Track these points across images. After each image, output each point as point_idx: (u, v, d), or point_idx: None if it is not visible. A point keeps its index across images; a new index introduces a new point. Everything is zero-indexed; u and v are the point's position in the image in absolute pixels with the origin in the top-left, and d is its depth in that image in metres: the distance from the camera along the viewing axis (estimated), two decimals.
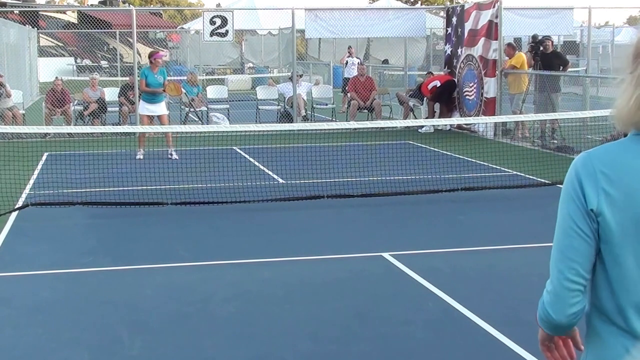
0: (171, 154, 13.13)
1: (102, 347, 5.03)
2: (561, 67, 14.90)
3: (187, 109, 17.47)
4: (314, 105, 19.32)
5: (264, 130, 14.22)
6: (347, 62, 24.50)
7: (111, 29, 34.09)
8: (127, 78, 18.13)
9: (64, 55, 36.29)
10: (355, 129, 14.20)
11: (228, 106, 18.32)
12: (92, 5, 48.46)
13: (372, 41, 31.46)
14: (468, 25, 16.42)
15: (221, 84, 24.21)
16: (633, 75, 2.10)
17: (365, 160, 11.52)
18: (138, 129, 12.55)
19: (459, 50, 16.88)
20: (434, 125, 16.72)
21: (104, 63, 35.42)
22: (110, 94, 17.84)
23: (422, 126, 16.47)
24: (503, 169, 11.84)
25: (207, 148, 12.96)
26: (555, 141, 14.09)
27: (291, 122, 16.45)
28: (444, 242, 7.67)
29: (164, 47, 35.97)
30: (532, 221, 8.61)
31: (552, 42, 15.56)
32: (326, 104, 19.44)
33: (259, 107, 18.59)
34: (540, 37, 14.76)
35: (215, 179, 10.21)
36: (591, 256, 2.11)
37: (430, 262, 6.93)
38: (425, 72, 20.49)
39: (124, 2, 45.59)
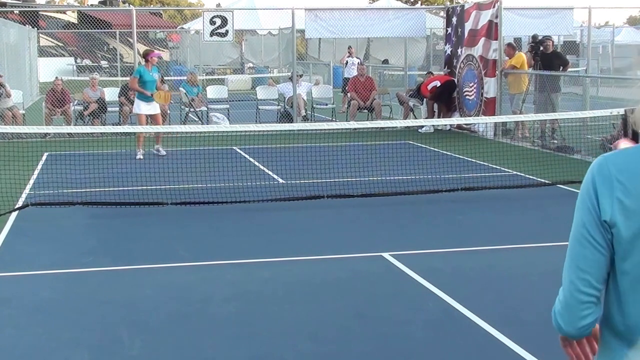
0: (158, 150, 13.26)
1: (102, 347, 5.03)
2: (561, 68, 14.90)
3: (187, 109, 17.48)
4: (314, 105, 19.32)
5: (264, 130, 14.22)
6: (347, 62, 24.50)
7: (111, 29, 34.10)
8: (128, 78, 18.12)
9: (64, 55, 36.29)
10: (355, 129, 14.20)
11: (228, 106, 18.32)
12: (92, 5, 48.47)
13: (372, 41, 31.45)
14: (468, 25, 16.42)
15: (221, 84, 24.20)
16: None
17: (365, 160, 11.52)
18: (138, 129, 12.55)
19: (459, 50, 16.88)
20: (434, 125, 16.72)
21: (104, 63, 35.42)
22: (110, 94, 17.85)
23: (422, 126, 16.47)
24: (503, 169, 11.84)
25: (207, 148, 12.97)
26: (555, 141, 14.09)
27: (291, 122, 16.45)
28: (444, 242, 7.67)
29: (164, 47, 35.99)
30: (532, 221, 8.61)
31: (553, 42, 15.56)
32: (326, 104, 19.44)
33: (259, 107, 18.59)
34: (540, 37, 14.77)
35: (215, 179, 10.21)
36: (605, 267, 2.05)
37: (430, 262, 6.93)
38: (425, 72, 20.49)
39: (124, 2, 45.58)
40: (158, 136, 13.53)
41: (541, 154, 13.40)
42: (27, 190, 10.13)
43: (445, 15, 18.15)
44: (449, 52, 17.49)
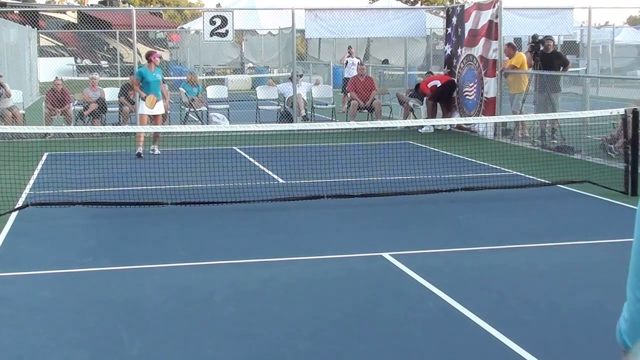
0: (153, 150, 13.31)
1: (102, 347, 5.03)
2: (561, 68, 14.90)
3: (187, 109, 17.48)
4: (314, 105, 19.32)
5: (264, 130, 14.22)
6: (347, 62, 24.50)
7: (111, 29, 34.10)
8: (128, 78, 18.13)
9: (64, 55, 36.29)
10: (355, 129, 14.20)
11: (228, 106, 18.33)
12: (92, 5, 48.47)
13: (372, 41, 31.46)
14: (468, 25, 16.43)
15: (221, 84, 24.20)
16: None
17: (365, 160, 11.51)
18: (138, 128, 12.57)
19: (459, 50, 16.88)
20: (433, 125, 16.72)
21: (104, 63, 35.42)
22: (110, 94, 17.85)
23: (422, 126, 16.47)
24: (503, 169, 11.84)
25: (207, 148, 12.97)
26: (555, 141, 14.09)
27: (291, 122, 16.45)
28: (444, 242, 7.67)
29: (164, 47, 35.99)
30: (532, 221, 8.61)
31: (554, 42, 15.56)
32: (326, 104, 19.44)
33: (259, 107, 18.60)
34: (541, 37, 14.77)
35: (215, 179, 10.21)
36: None
37: (430, 262, 6.93)
38: (425, 72, 20.49)
39: (124, 2, 45.58)
40: (157, 136, 13.55)
41: (541, 154, 13.40)
42: (27, 190, 10.13)
43: (445, 15, 18.16)
44: (449, 52, 17.49)
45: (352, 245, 7.55)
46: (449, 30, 17.49)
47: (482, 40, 15.79)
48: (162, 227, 8.32)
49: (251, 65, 34.31)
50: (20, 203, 9.29)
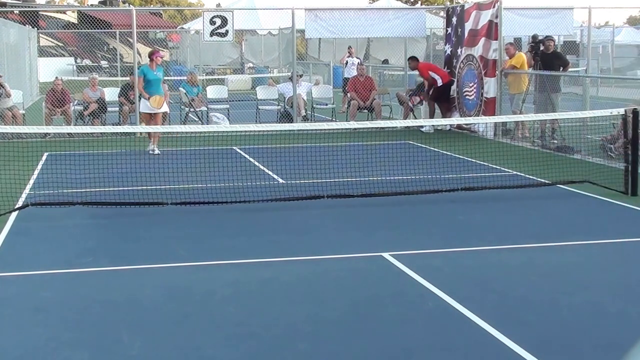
0: (153, 150, 13.32)
1: (102, 347, 5.03)
2: (561, 68, 14.90)
3: (187, 109, 17.49)
4: (314, 105, 19.32)
5: (264, 130, 14.22)
6: (347, 62, 24.51)
7: (111, 29, 34.11)
8: (127, 78, 18.13)
9: (64, 55, 36.29)
10: (355, 129, 14.20)
11: (228, 106, 18.33)
12: (92, 5, 48.48)
13: (372, 41, 31.47)
14: (468, 25, 16.42)
15: (221, 84, 24.20)
16: None
17: (365, 160, 11.51)
18: (138, 128, 12.59)
19: (459, 50, 16.88)
20: (433, 125, 16.72)
21: (104, 63, 35.43)
22: (110, 94, 17.85)
23: (424, 125, 16.46)
24: (503, 169, 11.84)
25: (207, 148, 12.97)
26: (555, 141, 14.09)
27: (291, 122, 16.45)
28: (444, 242, 7.67)
29: (164, 47, 35.98)
30: (532, 221, 8.61)
31: (554, 42, 15.55)
32: (326, 104, 19.44)
33: (259, 107, 18.60)
34: (541, 37, 14.76)
35: (215, 179, 10.21)
36: None
37: (430, 262, 6.93)
38: None
39: (124, 2, 45.59)
40: (156, 136, 13.57)
41: (541, 154, 13.40)
42: (27, 190, 10.13)
43: (445, 15, 18.15)
44: (449, 52, 17.48)
45: (352, 245, 7.56)
46: (449, 30, 17.49)
47: (482, 40, 15.78)
48: (162, 227, 8.32)
49: (251, 65, 34.31)
50: (20, 203, 9.29)
